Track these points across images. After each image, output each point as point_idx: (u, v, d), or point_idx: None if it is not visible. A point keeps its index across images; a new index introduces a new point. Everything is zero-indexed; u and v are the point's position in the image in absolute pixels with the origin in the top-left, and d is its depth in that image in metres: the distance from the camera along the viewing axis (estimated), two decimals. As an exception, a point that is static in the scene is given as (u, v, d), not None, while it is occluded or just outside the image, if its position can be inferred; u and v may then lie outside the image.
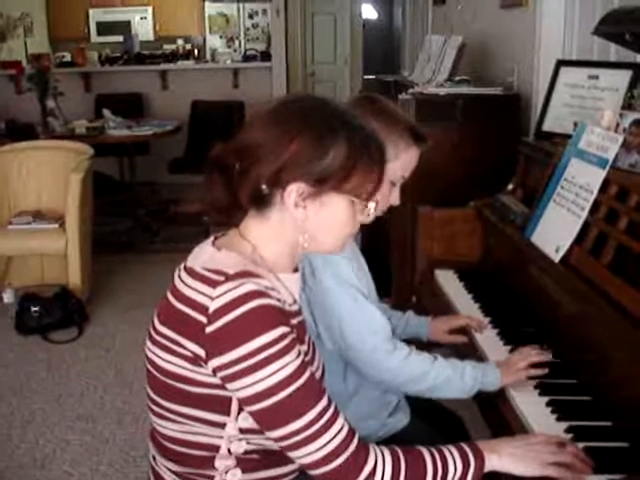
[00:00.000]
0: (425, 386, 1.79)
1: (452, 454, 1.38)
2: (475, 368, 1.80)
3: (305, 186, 1.32)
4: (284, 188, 1.32)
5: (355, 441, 1.32)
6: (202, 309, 1.29)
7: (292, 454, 1.32)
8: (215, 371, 1.29)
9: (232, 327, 1.26)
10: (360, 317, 1.78)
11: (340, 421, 1.32)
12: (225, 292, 1.27)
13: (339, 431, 1.31)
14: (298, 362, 1.29)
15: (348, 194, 1.35)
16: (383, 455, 1.34)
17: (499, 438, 1.50)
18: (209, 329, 1.27)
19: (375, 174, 1.37)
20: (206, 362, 1.29)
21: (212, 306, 1.27)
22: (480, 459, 1.38)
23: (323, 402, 1.31)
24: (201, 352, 1.29)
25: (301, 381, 1.28)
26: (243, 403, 1.30)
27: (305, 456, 1.30)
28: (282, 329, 1.28)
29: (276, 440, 1.31)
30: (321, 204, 1.35)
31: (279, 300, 1.33)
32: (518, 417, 1.73)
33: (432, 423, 2.00)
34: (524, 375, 1.81)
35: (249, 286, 1.28)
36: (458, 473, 1.36)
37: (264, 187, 1.33)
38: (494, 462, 1.39)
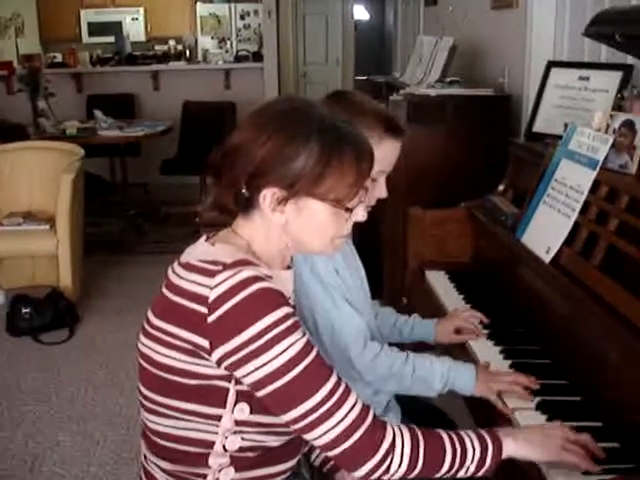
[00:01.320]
0: (393, 386, 1.84)
1: (470, 437, 1.38)
2: (449, 370, 1.79)
3: (279, 190, 1.33)
4: (259, 193, 1.33)
5: (370, 416, 1.32)
6: (202, 300, 1.28)
7: (308, 436, 1.31)
8: (220, 360, 1.28)
9: (234, 313, 1.26)
10: (333, 316, 1.78)
11: (353, 396, 1.32)
12: (224, 280, 1.27)
13: (353, 406, 1.31)
14: (304, 340, 1.29)
15: (323, 198, 1.34)
16: (402, 432, 1.34)
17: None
18: (211, 318, 1.27)
19: (350, 176, 1.35)
20: (210, 353, 1.28)
21: (212, 295, 1.27)
22: (498, 443, 1.39)
23: (333, 378, 1.31)
24: (204, 343, 1.28)
25: (309, 359, 1.29)
26: (254, 388, 1.29)
27: (321, 436, 1.29)
28: (285, 309, 1.28)
29: (291, 423, 1.30)
30: (298, 208, 1.35)
31: None
32: (508, 417, 1.73)
33: (423, 424, 2.00)
34: (493, 398, 1.78)
35: (248, 272, 1.28)
36: (477, 456, 1.37)
37: (244, 191, 1.35)
38: (510, 446, 1.39)
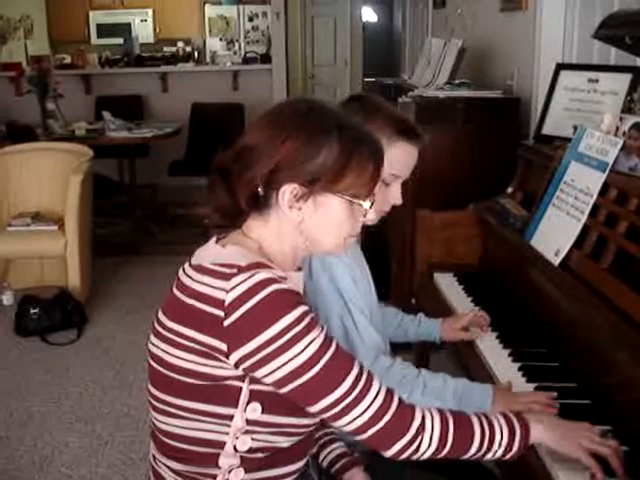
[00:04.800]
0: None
1: (499, 421, 1.41)
2: (464, 388, 1.73)
3: (298, 187, 1.34)
4: (278, 190, 1.34)
5: (396, 399, 1.35)
6: (217, 303, 1.28)
7: (336, 423, 1.34)
8: (239, 363, 1.28)
9: (251, 315, 1.26)
10: (348, 326, 1.77)
11: (377, 382, 1.34)
12: (240, 283, 1.28)
13: (378, 392, 1.33)
14: (324, 334, 1.30)
15: (342, 194, 1.36)
16: (432, 413, 1.37)
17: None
18: (227, 322, 1.27)
19: (368, 174, 1.38)
20: (228, 355, 1.28)
21: (228, 298, 1.27)
22: (525, 427, 1.41)
23: (356, 368, 1.32)
24: (222, 346, 1.28)
25: (330, 352, 1.29)
26: (276, 386, 1.30)
27: (350, 423, 1.32)
28: (302, 307, 1.29)
29: (318, 414, 1.33)
30: (316, 205, 1.36)
31: None
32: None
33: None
34: None
35: (263, 274, 1.28)
36: (504, 441, 1.40)
37: (260, 190, 1.35)
38: (538, 432, 1.42)
